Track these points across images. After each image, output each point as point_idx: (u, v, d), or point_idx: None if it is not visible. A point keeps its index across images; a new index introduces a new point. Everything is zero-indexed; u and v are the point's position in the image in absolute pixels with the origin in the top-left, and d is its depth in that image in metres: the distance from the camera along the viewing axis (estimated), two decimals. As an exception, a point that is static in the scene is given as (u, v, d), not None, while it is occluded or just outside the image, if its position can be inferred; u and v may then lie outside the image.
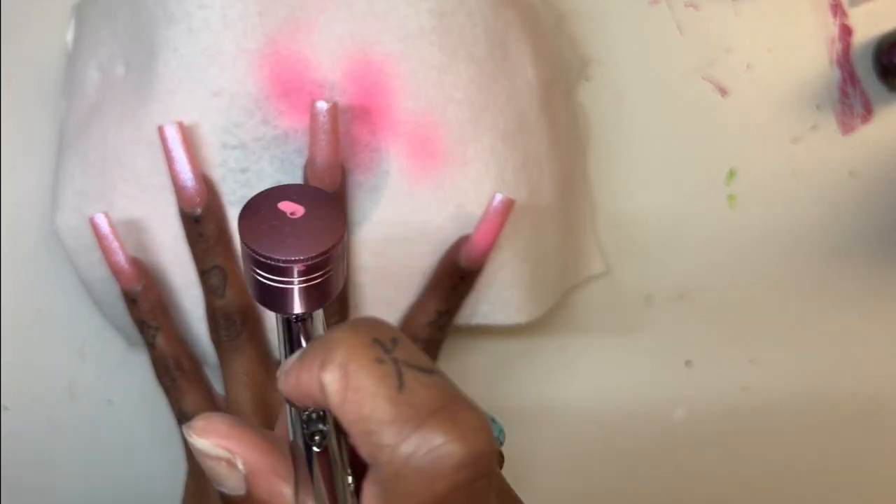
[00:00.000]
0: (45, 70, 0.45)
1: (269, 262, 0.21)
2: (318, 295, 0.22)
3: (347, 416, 0.19)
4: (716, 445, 0.50)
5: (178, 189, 0.38)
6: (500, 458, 0.30)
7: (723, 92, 0.47)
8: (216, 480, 0.23)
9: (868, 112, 0.48)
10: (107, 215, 0.38)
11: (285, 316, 0.23)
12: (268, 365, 0.40)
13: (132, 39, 0.40)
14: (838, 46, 0.47)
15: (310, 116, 0.37)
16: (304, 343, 0.23)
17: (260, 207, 0.22)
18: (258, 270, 0.21)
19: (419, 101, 0.39)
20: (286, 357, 0.23)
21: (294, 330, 0.23)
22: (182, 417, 0.41)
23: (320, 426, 0.22)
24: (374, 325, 0.21)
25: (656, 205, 0.48)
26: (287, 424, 0.23)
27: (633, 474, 0.50)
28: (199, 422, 0.23)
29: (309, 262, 0.21)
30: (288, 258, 0.21)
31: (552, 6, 0.46)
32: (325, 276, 0.22)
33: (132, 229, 0.40)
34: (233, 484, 0.23)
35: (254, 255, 0.21)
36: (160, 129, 0.37)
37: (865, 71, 0.47)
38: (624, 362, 0.49)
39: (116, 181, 0.40)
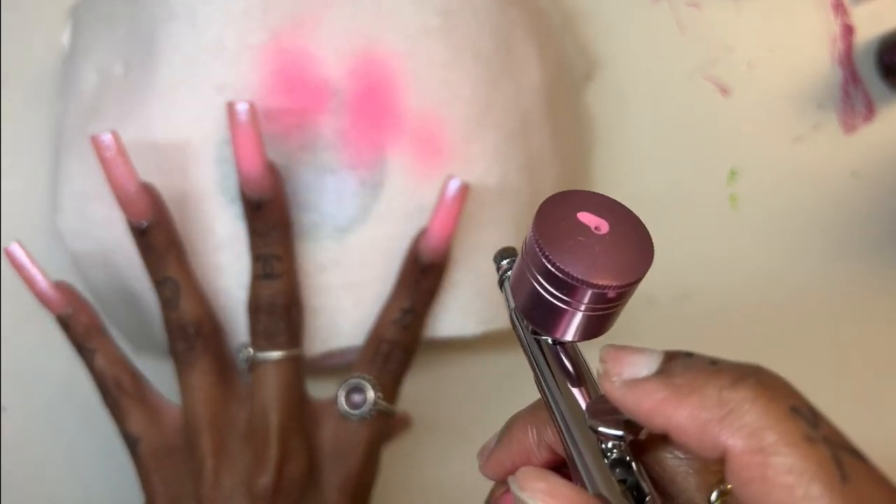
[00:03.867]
0: (43, 71, 0.45)
1: (565, 277, 0.19)
2: (595, 326, 0.20)
3: (763, 500, 0.16)
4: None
5: (122, 202, 0.36)
6: None
7: (724, 91, 0.47)
8: None
9: (870, 111, 0.47)
10: (20, 244, 0.37)
11: (545, 336, 0.21)
12: (226, 378, 0.38)
13: (131, 39, 0.40)
14: (840, 46, 0.47)
15: (229, 118, 0.35)
16: (570, 368, 0.21)
17: (557, 212, 0.20)
18: (546, 284, 0.19)
19: (424, 98, 0.38)
20: (540, 374, 0.21)
21: (551, 352, 0.21)
22: (127, 438, 0.39)
23: (627, 475, 0.19)
24: (785, 386, 0.18)
25: (658, 204, 0.48)
26: (588, 474, 0.20)
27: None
28: (525, 474, 0.20)
29: (618, 290, 0.19)
30: (598, 283, 0.19)
31: (559, 6, 0.46)
32: (615, 307, 0.20)
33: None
34: None
35: (548, 265, 0.19)
36: (94, 139, 0.35)
37: (867, 70, 0.47)
38: (625, 363, 0.49)
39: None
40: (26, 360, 0.47)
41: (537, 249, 0.19)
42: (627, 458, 0.19)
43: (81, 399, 0.47)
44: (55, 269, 0.46)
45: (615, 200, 0.20)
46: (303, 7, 0.38)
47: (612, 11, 0.47)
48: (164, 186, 0.39)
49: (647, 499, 0.19)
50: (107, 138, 0.35)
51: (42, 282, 0.38)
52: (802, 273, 0.49)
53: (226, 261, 0.39)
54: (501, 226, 0.41)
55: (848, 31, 0.47)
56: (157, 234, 0.37)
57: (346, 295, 0.40)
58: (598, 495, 0.19)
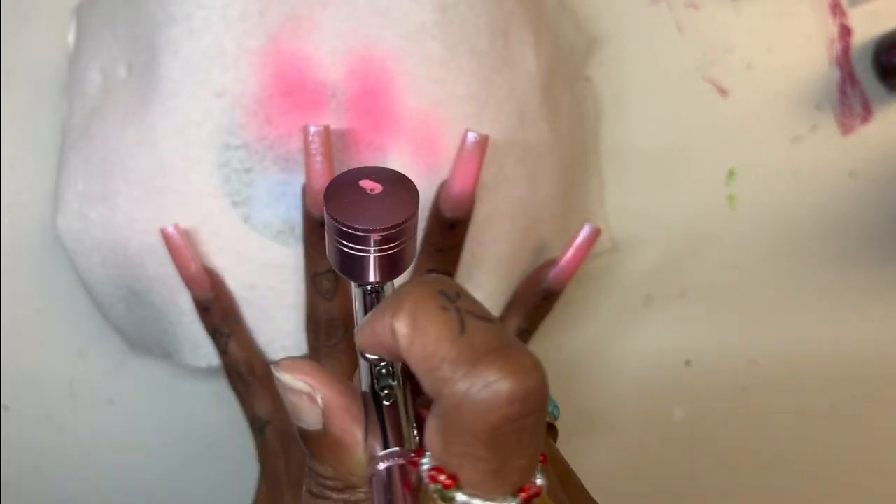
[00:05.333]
0: (45, 71, 0.45)
1: (349, 230, 0.23)
2: (391, 265, 0.24)
3: (414, 357, 0.21)
4: (715, 445, 0.50)
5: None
6: (555, 432, 0.33)
7: (723, 92, 0.48)
8: (297, 415, 0.25)
9: (867, 112, 0.48)
10: (177, 226, 0.38)
11: (361, 286, 0.25)
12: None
13: (133, 41, 0.40)
14: (838, 46, 0.47)
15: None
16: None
17: (343, 184, 0.24)
18: (340, 240, 0.24)
19: (422, 98, 0.39)
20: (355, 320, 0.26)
21: (368, 301, 0.25)
22: (254, 421, 0.41)
23: (390, 381, 0.25)
24: (441, 280, 0.23)
25: (656, 204, 0.48)
26: (360, 378, 0.25)
27: (632, 474, 0.50)
28: (286, 361, 0.25)
29: (385, 232, 0.23)
30: (367, 227, 0.23)
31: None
32: (399, 247, 0.24)
33: (135, 231, 0.40)
34: (312, 419, 0.25)
35: (337, 224, 0.23)
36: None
37: (865, 71, 0.48)
38: (624, 362, 0.49)
39: (119, 183, 0.39)
40: (26, 360, 0.47)
41: (325, 211, 0.24)
42: (391, 370, 0.25)
43: (82, 399, 0.47)
44: (54, 268, 0.46)
45: (397, 171, 0.25)
46: (299, 8, 0.38)
47: (610, 12, 0.47)
48: (164, 190, 0.39)
49: (387, 392, 0.25)
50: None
51: (195, 265, 0.39)
52: (800, 272, 0.49)
53: (228, 263, 0.39)
54: (499, 219, 0.41)
55: (845, 32, 0.47)
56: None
57: None
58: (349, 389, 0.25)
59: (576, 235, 0.41)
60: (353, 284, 0.25)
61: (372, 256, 0.24)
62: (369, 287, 0.25)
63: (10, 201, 0.46)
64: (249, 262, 0.39)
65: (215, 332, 0.40)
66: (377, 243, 0.24)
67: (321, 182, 0.37)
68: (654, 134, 0.48)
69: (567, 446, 0.49)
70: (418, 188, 0.38)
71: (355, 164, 0.39)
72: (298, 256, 0.39)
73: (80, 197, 0.41)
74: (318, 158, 0.36)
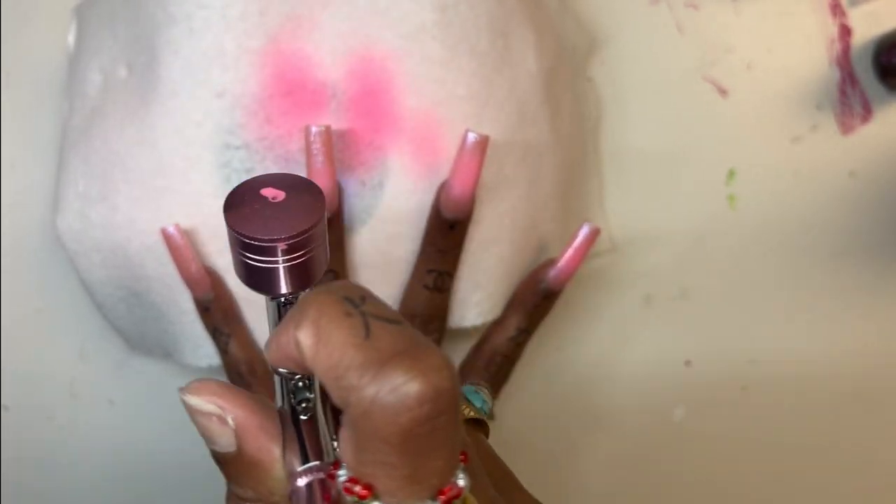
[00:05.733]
0: (45, 71, 0.45)
1: (253, 242, 0.22)
2: (302, 274, 0.23)
3: (320, 367, 0.21)
4: (715, 445, 0.50)
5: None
6: (486, 429, 0.32)
7: (723, 92, 0.48)
8: (209, 439, 0.24)
9: (867, 112, 0.48)
10: (177, 226, 0.38)
11: (274, 298, 0.24)
12: None
13: (133, 41, 0.40)
14: (838, 46, 0.47)
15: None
16: None
17: (244, 194, 0.23)
18: (244, 253, 0.23)
19: (422, 98, 0.39)
20: None
21: (283, 314, 0.24)
22: None
23: (307, 394, 0.24)
24: (345, 285, 0.22)
25: (656, 204, 0.48)
26: (276, 394, 0.25)
27: (632, 474, 0.50)
28: (193, 383, 0.24)
29: (291, 241, 0.22)
30: (271, 237, 0.22)
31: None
32: (308, 254, 0.23)
33: (135, 232, 0.40)
34: (224, 441, 0.24)
35: (240, 237, 0.22)
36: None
37: (865, 71, 0.48)
38: (624, 362, 0.49)
39: (119, 183, 0.39)
40: (26, 360, 0.47)
41: (226, 224, 0.23)
42: (307, 383, 0.24)
43: (82, 399, 0.47)
44: (54, 268, 0.46)
45: (301, 177, 0.24)
46: (299, 8, 0.38)
47: (610, 12, 0.47)
48: (164, 190, 0.39)
49: (304, 405, 0.24)
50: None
51: (196, 265, 0.38)
52: (800, 272, 0.49)
53: (229, 263, 0.39)
54: (499, 219, 0.41)
55: (845, 32, 0.47)
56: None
57: None
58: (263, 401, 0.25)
59: (575, 235, 0.41)
60: (266, 298, 0.25)
61: (280, 267, 0.23)
62: (282, 299, 0.24)
63: (10, 201, 0.46)
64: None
65: (216, 332, 0.40)
66: (284, 253, 0.23)
67: (323, 182, 0.36)
68: (654, 134, 0.48)
69: (567, 446, 0.49)
70: (416, 190, 0.39)
71: (355, 164, 0.39)
72: (299, 256, 0.39)
73: (81, 197, 0.41)
74: (320, 159, 0.36)
